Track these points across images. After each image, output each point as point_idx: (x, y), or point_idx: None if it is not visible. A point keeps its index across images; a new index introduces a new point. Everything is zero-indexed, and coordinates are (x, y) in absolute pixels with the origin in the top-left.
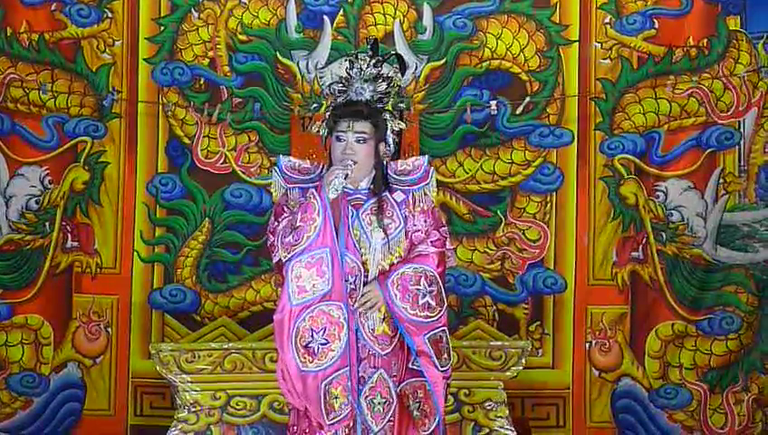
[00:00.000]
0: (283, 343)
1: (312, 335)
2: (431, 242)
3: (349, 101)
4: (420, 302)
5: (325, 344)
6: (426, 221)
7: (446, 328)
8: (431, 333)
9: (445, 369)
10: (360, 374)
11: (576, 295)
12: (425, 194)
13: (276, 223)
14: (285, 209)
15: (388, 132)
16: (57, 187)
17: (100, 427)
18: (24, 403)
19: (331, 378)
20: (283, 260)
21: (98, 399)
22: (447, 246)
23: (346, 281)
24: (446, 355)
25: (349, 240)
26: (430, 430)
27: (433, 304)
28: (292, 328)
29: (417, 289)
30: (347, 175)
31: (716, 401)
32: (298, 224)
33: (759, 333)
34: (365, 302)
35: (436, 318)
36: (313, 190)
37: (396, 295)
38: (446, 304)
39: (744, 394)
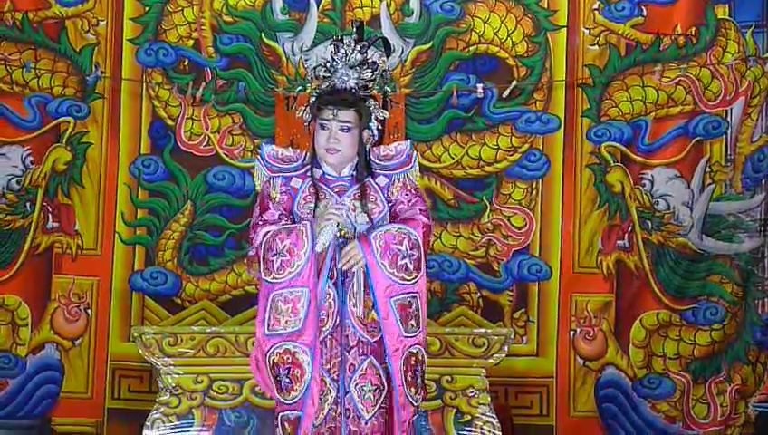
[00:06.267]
0: (260, 363)
1: (280, 371)
2: (420, 210)
3: (333, 89)
4: (399, 262)
5: (290, 384)
6: (407, 195)
7: (418, 296)
8: (400, 296)
9: (410, 335)
10: (351, 362)
11: (561, 283)
12: (407, 178)
13: (260, 219)
14: (270, 205)
15: (372, 120)
16: (39, 167)
17: (78, 409)
18: None
19: (297, 414)
20: (264, 282)
21: (75, 381)
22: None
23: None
24: (413, 322)
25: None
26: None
27: (411, 267)
28: (266, 356)
29: (399, 249)
30: (339, 223)
31: (699, 392)
32: (285, 251)
33: (743, 324)
34: (347, 260)
35: (411, 282)
36: (307, 223)
37: (377, 250)
38: (423, 273)
39: (727, 385)
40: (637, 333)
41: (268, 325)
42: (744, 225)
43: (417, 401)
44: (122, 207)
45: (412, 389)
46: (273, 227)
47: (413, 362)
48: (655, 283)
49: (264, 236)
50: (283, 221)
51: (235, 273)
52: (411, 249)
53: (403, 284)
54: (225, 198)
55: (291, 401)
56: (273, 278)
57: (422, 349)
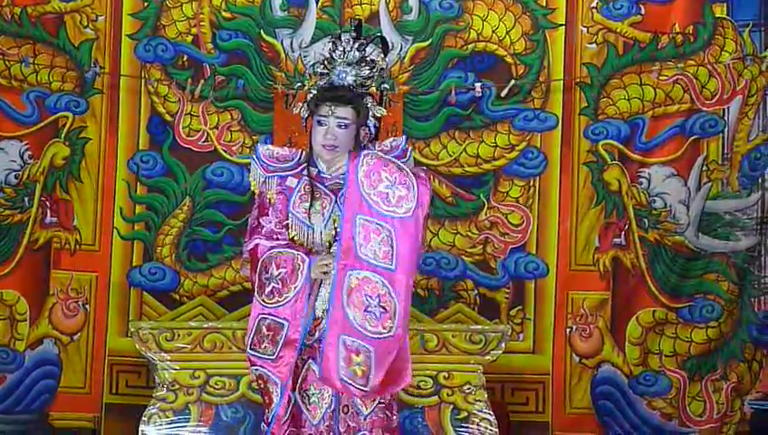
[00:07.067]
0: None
1: (260, 386)
2: (422, 169)
3: (331, 86)
4: (379, 188)
5: (267, 403)
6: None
7: (392, 231)
8: (369, 218)
9: (368, 259)
10: None
11: (558, 281)
12: None
13: (257, 223)
14: (270, 211)
15: (370, 118)
16: (37, 162)
17: (75, 404)
18: None
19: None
20: (255, 297)
21: (73, 376)
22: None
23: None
24: (376, 250)
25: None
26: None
27: (392, 200)
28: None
29: (386, 177)
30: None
31: (695, 389)
32: (278, 279)
33: (739, 322)
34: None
35: (387, 212)
36: (306, 260)
37: (361, 167)
38: (410, 216)
39: (723, 383)
40: (633, 331)
41: (251, 344)
42: (740, 223)
43: (371, 334)
44: (121, 202)
45: (357, 312)
46: (267, 243)
47: (367, 290)
48: (651, 281)
49: (258, 247)
50: (279, 230)
51: (232, 269)
52: (399, 184)
53: (378, 210)
54: (224, 195)
55: (271, 416)
56: (263, 301)
57: (389, 288)
